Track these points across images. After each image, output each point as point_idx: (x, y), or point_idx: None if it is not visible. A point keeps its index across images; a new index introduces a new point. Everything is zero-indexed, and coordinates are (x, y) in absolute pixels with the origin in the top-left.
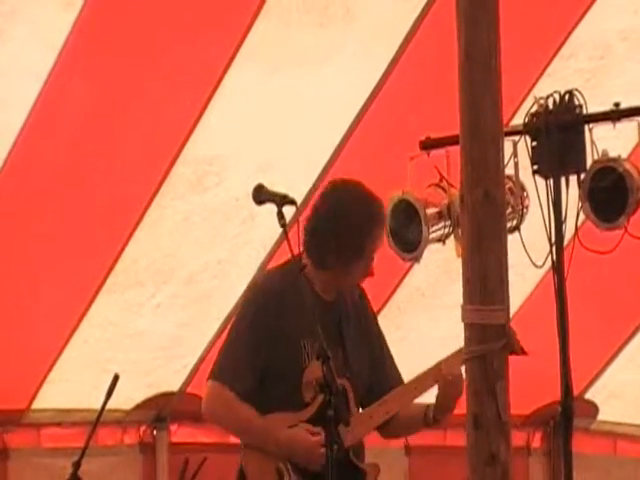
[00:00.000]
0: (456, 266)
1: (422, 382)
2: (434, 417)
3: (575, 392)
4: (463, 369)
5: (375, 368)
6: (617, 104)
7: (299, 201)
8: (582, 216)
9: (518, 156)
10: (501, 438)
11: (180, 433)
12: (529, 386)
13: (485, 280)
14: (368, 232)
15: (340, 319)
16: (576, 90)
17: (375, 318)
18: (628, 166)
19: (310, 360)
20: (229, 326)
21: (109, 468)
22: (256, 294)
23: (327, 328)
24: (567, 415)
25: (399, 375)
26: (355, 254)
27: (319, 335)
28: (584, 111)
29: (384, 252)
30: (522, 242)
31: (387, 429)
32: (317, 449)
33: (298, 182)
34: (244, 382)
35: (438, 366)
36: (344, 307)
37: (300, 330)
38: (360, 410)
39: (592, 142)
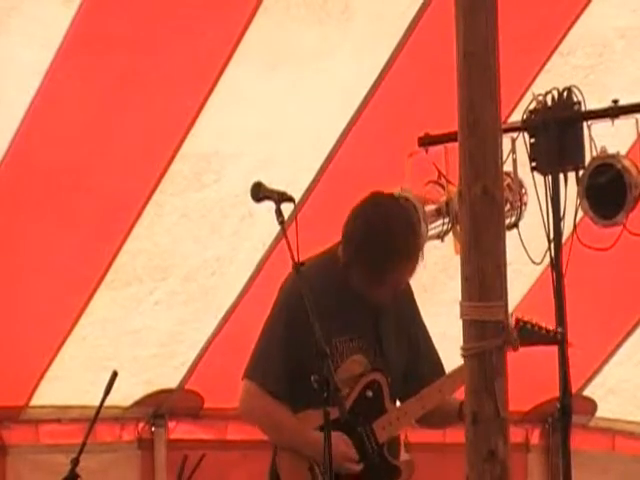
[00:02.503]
0: (454, 263)
1: (456, 378)
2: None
3: (573, 389)
4: None
5: (412, 362)
6: (615, 101)
7: (297, 198)
8: (580, 213)
9: (516, 152)
10: (499, 435)
11: (178, 430)
12: (528, 383)
13: (483, 277)
14: (390, 267)
15: (378, 313)
16: (574, 87)
17: (417, 309)
18: (627, 163)
19: (343, 359)
20: (263, 323)
21: (107, 464)
22: (288, 292)
23: (362, 323)
24: (565, 412)
25: (440, 368)
26: (374, 281)
27: (351, 333)
28: (582, 108)
29: None
30: (520, 239)
31: (423, 420)
32: (343, 460)
33: (296, 179)
34: (277, 382)
35: None
36: (383, 306)
37: (332, 329)
38: (397, 404)
39: (590, 139)
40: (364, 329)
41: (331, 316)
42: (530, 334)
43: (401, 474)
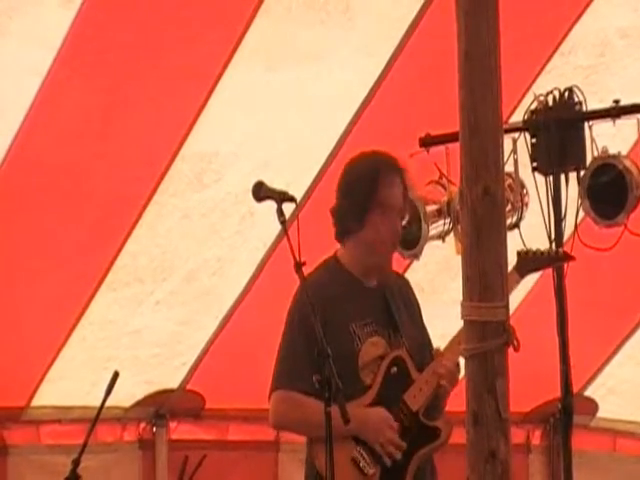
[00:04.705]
0: (456, 263)
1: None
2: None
3: (575, 389)
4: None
5: (424, 350)
6: (617, 101)
7: (298, 198)
8: (582, 213)
9: (518, 153)
10: (501, 435)
11: (179, 430)
12: (529, 383)
13: (485, 277)
14: (375, 178)
15: (387, 302)
16: (576, 87)
17: (419, 307)
18: (628, 163)
19: (362, 343)
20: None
21: (108, 465)
22: (298, 297)
23: (374, 309)
24: (567, 412)
25: None
26: (367, 204)
27: (365, 318)
28: (584, 108)
29: None
30: (522, 239)
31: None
32: (388, 429)
33: (297, 179)
34: (306, 380)
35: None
36: (390, 292)
37: (347, 316)
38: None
39: (592, 139)
40: (377, 315)
41: (345, 304)
42: (533, 261)
43: (441, 433)
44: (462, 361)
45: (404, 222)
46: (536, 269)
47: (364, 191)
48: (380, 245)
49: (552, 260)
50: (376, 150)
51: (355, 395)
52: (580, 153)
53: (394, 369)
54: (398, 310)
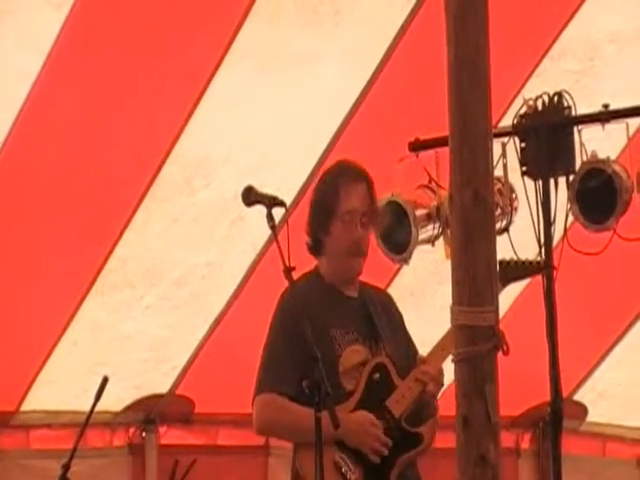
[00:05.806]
0: (445, 267)
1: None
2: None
3: (564, 393)
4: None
5: (408, 361)
6: (606, 105)
7: (288, 203)
8: (571, 217)
9: (507, 157)
10: (490, 439)
11: (169, 435)
12: (518, 387)
13: (474, 281)
14: (335, 189)
15: (368, 312)
16: (565, 91)
17: (403, 320)
18: (617, 167)
19: (343, 349)
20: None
21: (98, 470)
22: (281, 303)
23: (355, 319)
24: (556, 416)
25: None
26: (328, 213)
27: (346, 327)
28: (573, 112)
29: (373, 253)
30: (511, 243)
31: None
32: (371, 427)
33: (287, 183)
34: (289, 384)
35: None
36: (371, 303)
37: (327, 322)
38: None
39: (581, 143)
40: (358, 324)
41: (326, 311)
42: (515, 270)
43: (423, 439)
44: (449, 366)
45: (377, 227)
46: (518, 278)
47: (327, 203)
48: (345, 254)
49: (534, 270)
50: (341, 160)
51: (336, 401)
52: (569, 157)
53: (376, 375)
54: (380, 321)
